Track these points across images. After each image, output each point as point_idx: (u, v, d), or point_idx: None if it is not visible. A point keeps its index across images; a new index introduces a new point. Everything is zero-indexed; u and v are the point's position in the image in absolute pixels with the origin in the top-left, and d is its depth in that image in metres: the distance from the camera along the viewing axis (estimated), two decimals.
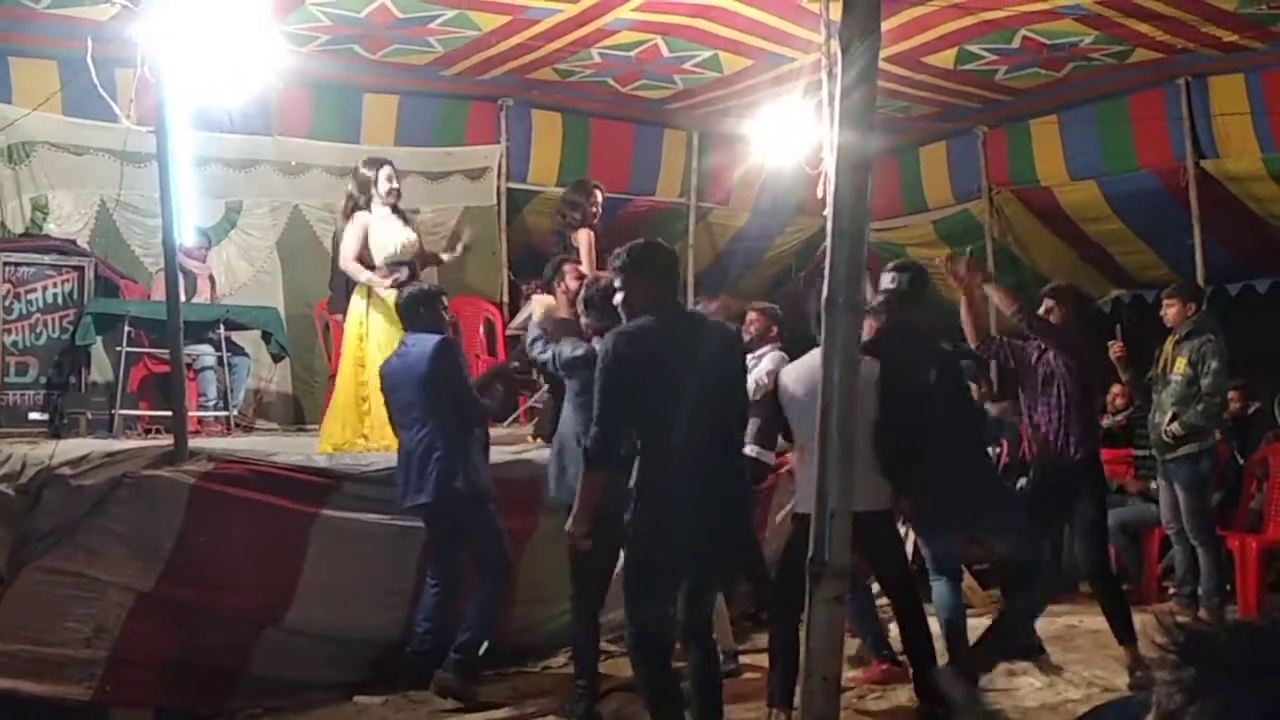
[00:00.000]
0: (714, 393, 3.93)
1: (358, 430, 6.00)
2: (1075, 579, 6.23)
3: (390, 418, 5.47)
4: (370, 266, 6.07)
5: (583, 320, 5.02)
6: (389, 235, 6.13)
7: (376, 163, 6.30)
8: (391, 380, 5.38)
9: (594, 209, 7.21)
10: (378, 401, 5.81)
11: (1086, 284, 8.25)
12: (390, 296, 5.86)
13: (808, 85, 7.01)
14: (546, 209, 9.20)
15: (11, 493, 4.78)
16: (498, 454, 5.85)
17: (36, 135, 7.15)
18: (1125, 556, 6.98)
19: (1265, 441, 7.20)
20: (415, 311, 5.42)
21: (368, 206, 6.17)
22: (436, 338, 5.28)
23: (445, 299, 5.59)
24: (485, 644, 5.21)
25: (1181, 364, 6.25)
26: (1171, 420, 6.19)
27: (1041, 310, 5.53)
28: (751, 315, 6.10)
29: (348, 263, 6.17)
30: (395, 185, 6.21)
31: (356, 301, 6.15)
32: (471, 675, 5.12)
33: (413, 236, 6.24)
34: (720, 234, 9.94)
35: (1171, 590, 6.74)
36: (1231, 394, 7.00)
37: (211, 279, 7.44)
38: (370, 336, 6.05)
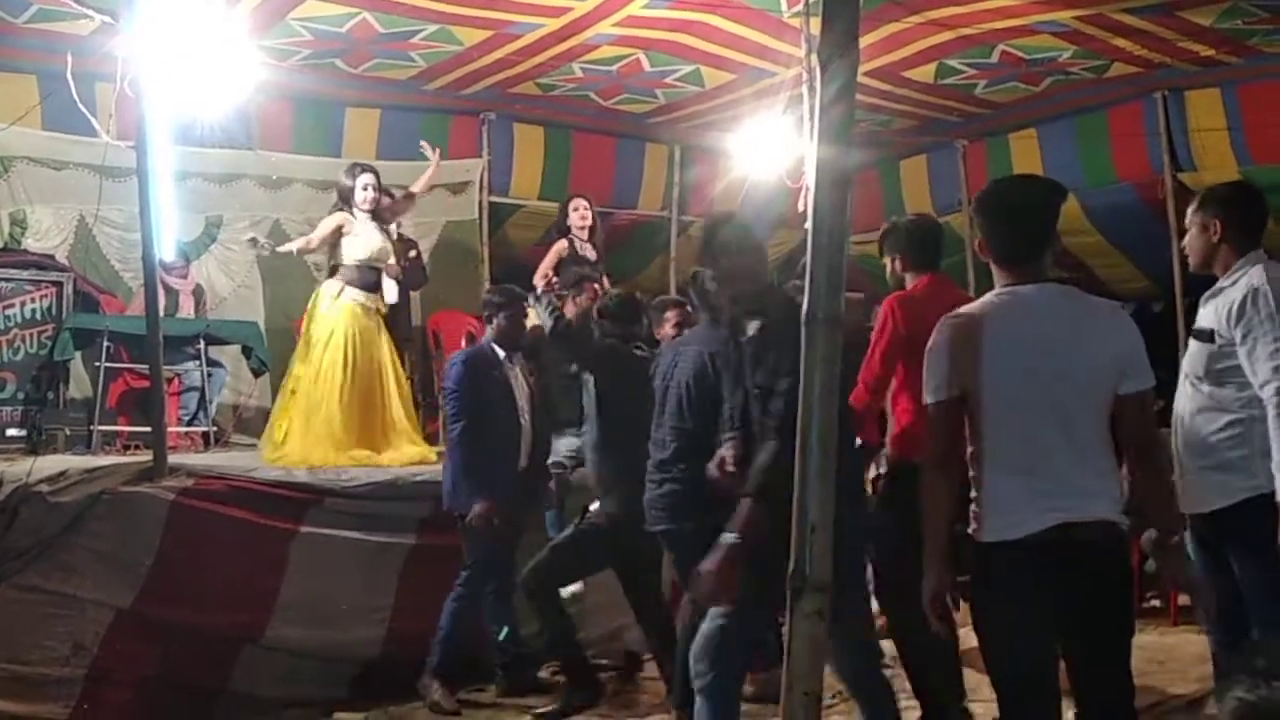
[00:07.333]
0: None
1: (345, 447, 5.99)
2: None
3: None
4: (334, 266, 6.38)
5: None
6: (364, 240, 6.28)
7: (354, 171, 6.41)
8: None
9: (580, 220, 7.62)
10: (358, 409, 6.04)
11: None
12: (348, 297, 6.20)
13: (789, 99, 7.04)
14: (529, 222, 9.20)
15: None
16: None
17: (15, 150, 7.10)
18: None
19: None
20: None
21: (351, 211, 6.33)
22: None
23: None
24: (505, 629, 5.35)
25: None
26: None
27: None
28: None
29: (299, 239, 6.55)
30: (371, 194, 6.33)
31: (326, 306, 6.23)
32: (448, 685, 5.13)
33: (386, 245, 6.41)
34: None
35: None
36: None
37: (196, 293, 7.41)
38: (335, 342, 6.13)
